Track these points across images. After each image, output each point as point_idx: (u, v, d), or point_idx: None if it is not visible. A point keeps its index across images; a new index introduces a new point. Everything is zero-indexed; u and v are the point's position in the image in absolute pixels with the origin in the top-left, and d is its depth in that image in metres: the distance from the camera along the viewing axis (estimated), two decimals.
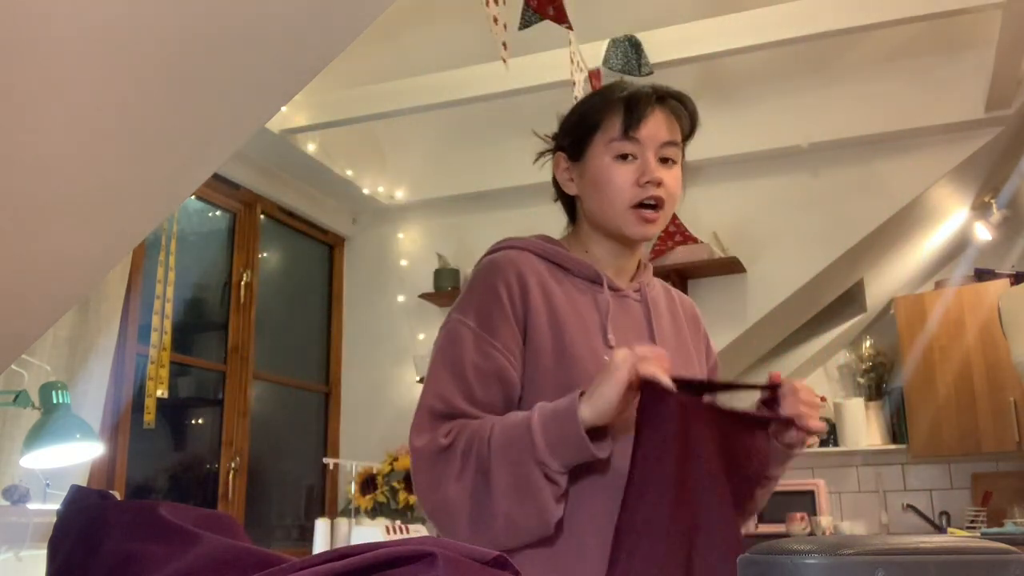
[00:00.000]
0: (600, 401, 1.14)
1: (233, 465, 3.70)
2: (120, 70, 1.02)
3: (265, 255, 4.17)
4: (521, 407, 1.26)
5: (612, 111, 1.34)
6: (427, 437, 1.23)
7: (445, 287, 4.15)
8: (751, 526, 4.69)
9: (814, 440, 1.33)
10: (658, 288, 1.45)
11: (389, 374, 4.36)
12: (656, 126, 1.32)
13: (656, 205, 1.32)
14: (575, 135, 1.38)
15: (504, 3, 2.49)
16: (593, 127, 1.35)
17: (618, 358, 1.15)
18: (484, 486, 1.17)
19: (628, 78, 1.41)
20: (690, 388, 1.25)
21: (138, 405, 3.09)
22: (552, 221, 1.47)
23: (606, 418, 1.15)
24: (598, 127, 1.35)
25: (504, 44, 2.54)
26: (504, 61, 2.56)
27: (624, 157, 1.32)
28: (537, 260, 1.34)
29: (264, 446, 3.98)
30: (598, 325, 1.31)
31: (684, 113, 1.37)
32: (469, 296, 1.32)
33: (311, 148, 3.94)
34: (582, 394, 1.17)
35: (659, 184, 1.31)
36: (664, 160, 1.34)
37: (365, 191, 4.30)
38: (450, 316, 1.32)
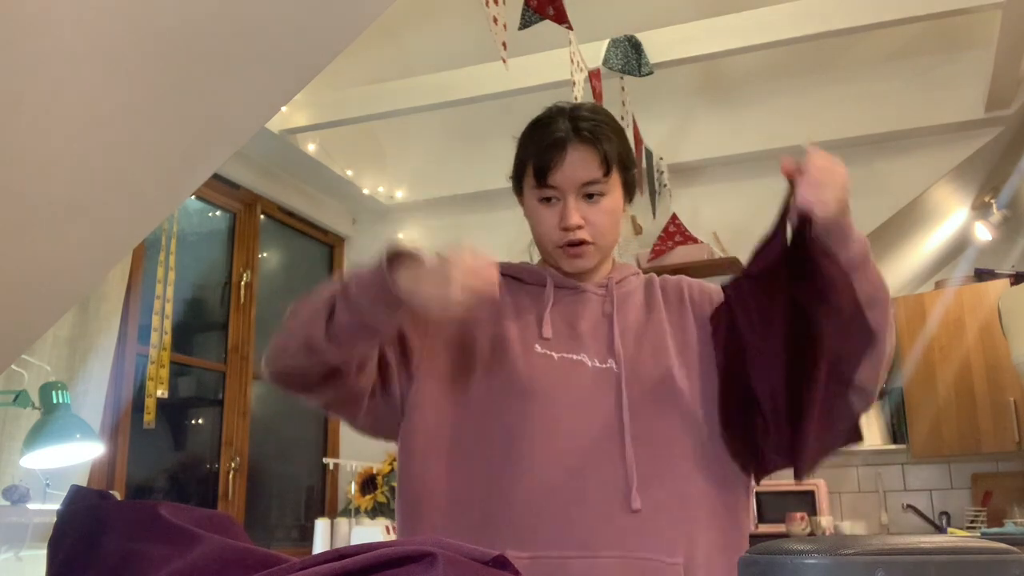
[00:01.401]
0: (418, 284, 1.14)
1: (233, 465, 3.70)
2: (120, 70, 1.02)
3: (265, 255, 4.17)
4: (463, 401, 1.30)
5: (529, 157, 1.34)
6: None
7: None
8: (751, 526, 4.69)
9: (827, 199, 1.22)
10: (634, 282, 1.41)
11: None
12: (572, 168, 1.30)
13: (581, 243, 1.32)
14: (514, 168, 1.39)
15: (504, 3, 2.49)
16: (520, 168, 1.37)
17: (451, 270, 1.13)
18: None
19: (560, 104, 1.38)
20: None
21: (138, 405, 3.09)
22: None
23: (414, 300, 1.15)
24: (524, 170, 1.36)
25: (504, 44, 2.54)
26: (504, 61, 2.56)
27: (547, 200, 1.33)
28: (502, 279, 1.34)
29: (264, 446, 3.98)
30: (536, 319, 1.32)
31: (607, 142, 1.33)
32: None
33: (311, 148, 3.94)
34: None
35: (580, 227, 1.31)
36: (589, 196, 1.32)
37: (365, 191, 4.30)
38: None
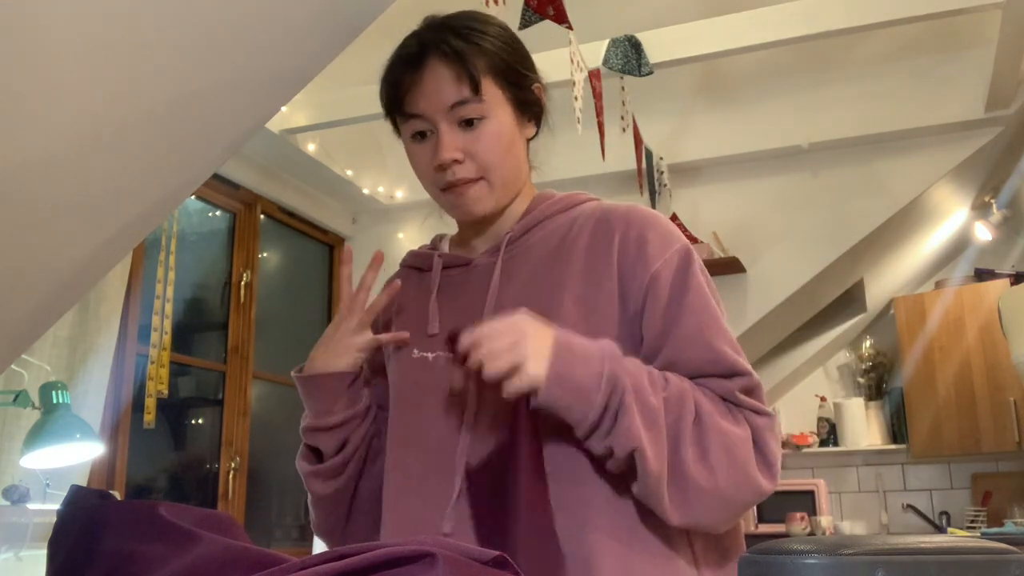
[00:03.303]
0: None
1: (233, 465, 3.70)
2: (120, 70, 1.02)
3: (265, 255, 4.17)
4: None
5: (385, 83, 1.13)
6: None
7: None
8: (751, 526, 4.69)
9: (518, 384, 0.94)
10: (551, 225, 1.13)
11: None
12: (433, 90, 1.06)
13: (464, 182, 1.09)
14: (385, 110, 1.18)
15: (504, 3, 2.49)
16: (384, 100, 1.15)
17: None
18: None
19: (430, 16, 1.14)
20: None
21: (138, 405, 3.09)
22: None
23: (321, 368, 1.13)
24: (392, 103, 1.14)
25: None
26: None
27: (421, 135, 1.10)
28: (405, 271, 1.26)
29: (264, 446, 3.98)
30: (419, 318, 1.16)
31: (476, 53, 1.08)
32: None
33: (311, 148, 3.94)
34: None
35: (457, 161, 1.07)
36: (467, 123, 1.07)
37: (365, 191, 4.30)
38: None
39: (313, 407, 1.15)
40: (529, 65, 1.14)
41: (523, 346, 0.94)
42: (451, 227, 1.28)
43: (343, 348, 1.13)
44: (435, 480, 1.05)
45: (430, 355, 1.11)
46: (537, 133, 1.18)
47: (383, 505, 1.13)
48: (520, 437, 0.99)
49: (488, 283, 1.11)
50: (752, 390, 1.04)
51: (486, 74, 1.08)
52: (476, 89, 1.06)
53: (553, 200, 1.16)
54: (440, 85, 1.07)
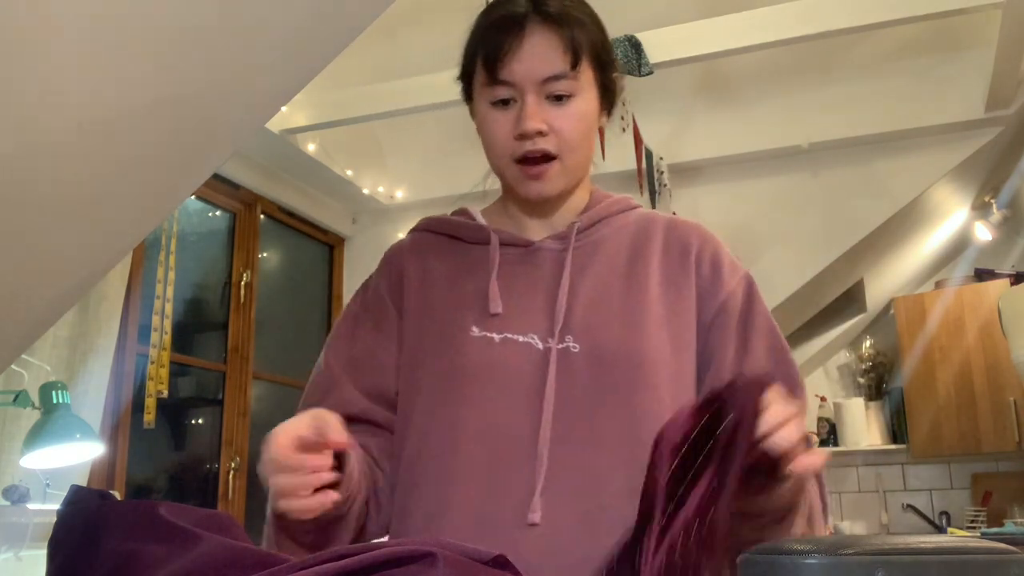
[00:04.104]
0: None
1: (233, 465, 3.70)
2: (120, 70, 1.02)
3: (265, 255, 4.17)
4: (398, 398, 1.09)
5: (478, 44, 1.07)
6: None
7: None
8: None
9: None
10: (616, 224, 1.11)
11: None
12: (531, 59, 1.02)
13: (543, 158, 1.04)
14: (461, 70, 1.11)
15: None
16: (469, 66, 1.09)
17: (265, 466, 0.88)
18: None
19: None
20: None
21: (138, 405, 3.09)
22: None
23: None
24: (472, 64, 1.08)
25: None
26: None
27: (503, 102, 1.05)
28: (434, 238, 1.15)
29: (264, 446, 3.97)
30: (476, 293, 1.06)
31: (578, 27, 1.05)
32: (363, 286, 1.17)
33: (311, 148, 3.94)
34: None
35: (541, 134, 1.03)
36: (556, 98, 1.04)
37: (365, 191, 4.30)
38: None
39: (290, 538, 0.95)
40: (612, 53, 1.12)
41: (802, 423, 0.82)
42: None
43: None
44: (506, 470, 0.97)
45: (496, 336, 1.03)
46: (606, 125, 1.14)
47: (417, 494, 1.01)
48: (608, 425, 0.97)
49: (556, 270, 1.06)
50: None
51: (583, 51, 1.05)
52: (575, 64, 1.03)
53: (614, 199, 1.15)
54: (541, 54, 1.03)
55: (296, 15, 1.09)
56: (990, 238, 4.87)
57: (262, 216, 4.06)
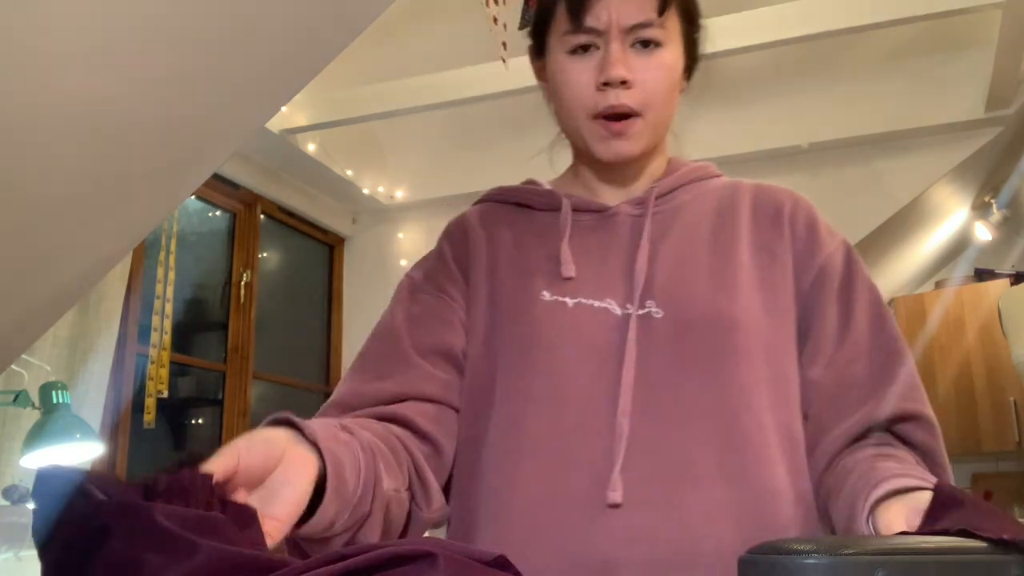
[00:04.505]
0: None
1: None
2: (120, 70, 1.02)
3: (265, 255, 4.17)
4: (466, 361, 1.00)
5: None
6: None
7: None
8: None
9: None
10: (696, 191, 1.05)
11: None
12: (619, 3, 0.95)
13: (625, 115, 0.97)
14: (535, 22, 1.05)
15: (504, 3, 2.49)
16: (546, 14, 1.02)
17: None
18: None
19: None
20: None
21: (138, 405, 3.09)
22: None
23: None
24: (551, 14, 1.01)
25: (504, 44, 2.54)
26: (504, 61, 2.56)
27: (583, 49, 0.97)
28: (500, 207, 1.10)
29: None
30: (547, 258, 1.00)
31: None
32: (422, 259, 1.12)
33: (311, 148, 3.94)
34: None
35: (625, 83, 0.95)
36: (645, 44, 0.97)
37: (365, 191, 4.30)
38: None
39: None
40: (699, 8, 1.05)
41: None
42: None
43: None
44: (580, 443, 0.89)
45: (569, 300, 0.96)
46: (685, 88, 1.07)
47: (481, 467, 0.93)
48: (696, 397, 0.90)
49: (633, 235, 0.99)
50: None
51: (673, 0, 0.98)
52: (663, 10, 0.96)
53: (695, 166, 1.09)
54: (627, 1, 0.96)
55: (296, 15, 1.09)
56: (990, 238, 4.87)
57: (262, 216, 4.07)
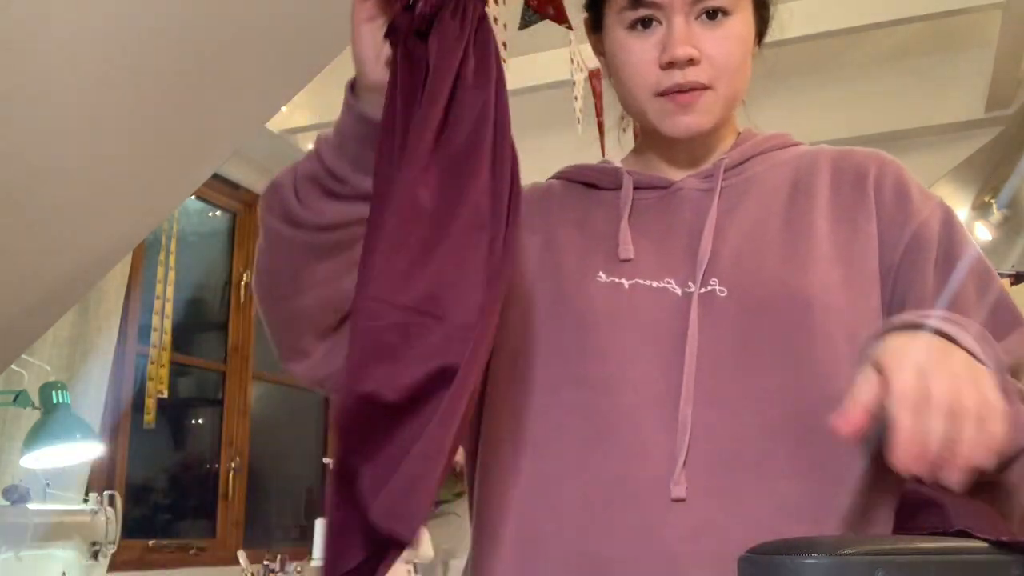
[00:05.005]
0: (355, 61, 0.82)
1: (233, 465, 3.70)
2: (120, 71, 1.02)
3: None
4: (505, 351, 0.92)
5: None
6: None
7: None
8: None
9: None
10: (768, 162, 0.97)
11: None
12: None
13: (694, 89, 0.89)
14: (587, 4, 0.98)
15: (504, 3, 2.49)
16: None
17: None
18: None
19: None
20: None
21: (138, 405, 3.09)
22: None
23: (365, 78, 0.84)
24: None
25: (504, 44, 2.54)
26: (504, 61, 2.56)
27: (644, 23, 0.89)
28: (564, 185, 1.02)
29: (264, 446, 3.98)
30: (605, 237, 0.92)
31: None
32: None
33: (311, 148, 3.94)
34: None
35: (692, 61, 0.87)
36: (710, 15, 0.89)
37: None
38: None
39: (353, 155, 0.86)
40: None
41: (970, 395, 0.64)
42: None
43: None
44: (638, 433, 0.83)
45: (626, 282, 0.89)
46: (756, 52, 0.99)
47: (531, 453, 0.87)
48: (766, 382, 0.82)
49: (700, 211, 0.91)
50: None
51: None
52: None
53: (768, 135, 1.01)
54: None
55: (296, 15, 1.09)
56: (990, 238, 4.87)
57: None
